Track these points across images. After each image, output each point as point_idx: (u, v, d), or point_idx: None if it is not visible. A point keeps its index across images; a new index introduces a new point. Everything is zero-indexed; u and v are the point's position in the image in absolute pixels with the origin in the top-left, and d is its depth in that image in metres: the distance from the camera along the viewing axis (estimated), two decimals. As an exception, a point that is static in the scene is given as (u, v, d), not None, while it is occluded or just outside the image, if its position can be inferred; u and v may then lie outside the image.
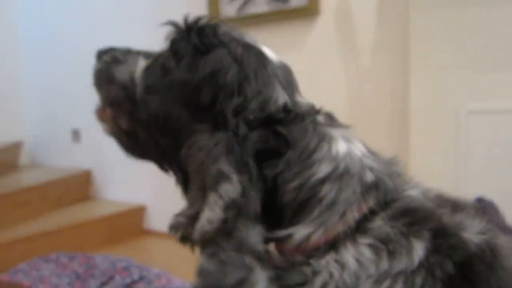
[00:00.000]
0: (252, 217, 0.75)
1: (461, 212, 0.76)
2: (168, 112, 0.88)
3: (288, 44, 3.09)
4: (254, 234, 0.74)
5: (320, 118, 0.85)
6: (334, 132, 0.83)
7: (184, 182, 0.90)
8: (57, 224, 3.72)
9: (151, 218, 4.10)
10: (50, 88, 4.76)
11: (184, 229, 0.85)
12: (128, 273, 1.79)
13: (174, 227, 0.86)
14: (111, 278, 1.77)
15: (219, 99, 0.83)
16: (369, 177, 0.78)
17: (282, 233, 0.76)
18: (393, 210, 0.75)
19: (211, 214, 0.75)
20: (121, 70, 0.97)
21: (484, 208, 1.55)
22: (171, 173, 0.95)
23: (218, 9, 3.42)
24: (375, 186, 0.77)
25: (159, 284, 1.71)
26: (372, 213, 0.75)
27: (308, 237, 0.74)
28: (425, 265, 0.70)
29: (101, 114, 1.01)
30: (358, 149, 0.82)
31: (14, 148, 4.76)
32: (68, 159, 4.67)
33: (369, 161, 0.80)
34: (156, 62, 0.94)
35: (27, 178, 4.41)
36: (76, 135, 4.59)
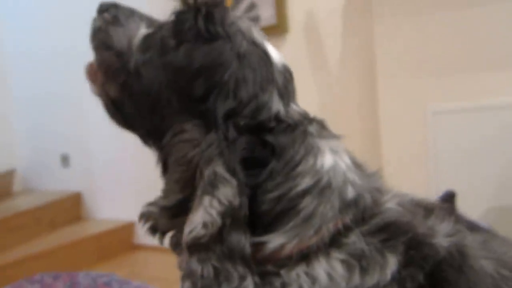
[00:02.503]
0: (242, 223, 0.71)
1: (432, 215, 0.75)
2: (159, 93, 0.81)
3: None
4: (244, 241, 0.70)
5: (311, 129, 0.79)
6: (323, 144, 0.78)
7: (163, 166, 0.83)
8: (51, 246, 3.67)
9: (140, 233, 4.03)
10: (40, 120, 4.74)
11: (155, 219, 0.81)
12: (109, 287, 1.77)
13: (145, 216, 0.82)
14: (93, 293, 1.74)
15: (212, 96, 0.76)
16: (350, 193, 0.74)
17: (256, 239, 0.72)
18: (370, 226, 0.72)
19: (207, 218, 0.70)
20: (120, 34, 0.88)
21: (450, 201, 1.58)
22: (153, 149, 0.88)
23: None
24: (355, 203, 0.73)
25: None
26: (348, 229, 0.71)
27: (281, 247, 0.71)
28: (397, 278, 0.68)
29: (91, 74, 0.91)
30: (344, 162, 0.77)
31: (8, 176, 4.71)
32: (58, 183, 4.62)
33: (352, 175, 0.76)
34: (157, 35, 0.84)
35: (21, 203, 4.36)
36: (65, 160, 4.56)
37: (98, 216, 4.39)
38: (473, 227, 1.44)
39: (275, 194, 0.73)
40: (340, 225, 0.71)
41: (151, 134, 0.85)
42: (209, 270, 0.69)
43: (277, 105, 0.79)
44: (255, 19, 3.09)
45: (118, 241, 4.03)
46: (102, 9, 0.91)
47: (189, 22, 0.80)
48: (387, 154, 2.58)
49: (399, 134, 2.56)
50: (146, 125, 0.85)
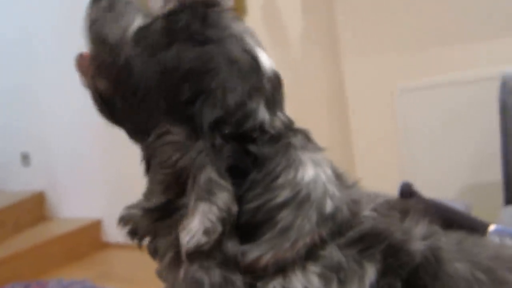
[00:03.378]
0: (234, 228, 0.71)
1: (407, 217, 0.76)
2: (147, 90, 0.80)
3: None
4: (237, 248, 0.70)
5: (295, 141, 0.78)
6: (305, 156, 0.77)
7: (147, 165, 0.82)
8: (16, 249, 3.57)
9: (108, 231, 3.95)
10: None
11: (135, 223, 0.79)
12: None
13: (124, 219, 0.80)
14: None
15: (199, 101, 0.76)
16: (328, 206, 0.74)
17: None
18: (347, 238, 0.72)
19: (208, 224, 0.69)
20: (116, 24, 0.85)
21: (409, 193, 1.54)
22: (139, 147, 0.86)
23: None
24: (332, 216, 0.73)
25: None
26: (325, 242, 0.71)
27: (257, 258, 0.70)
28: None
29: (82, 65, 0.89)
30: (325, 174, 0.77)
31: (-36, 178, 4.51)
32: (19, 183, 4.48)
33: (331, 188, 0.76)
34: (150, 28, 0.82)
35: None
36: (25, 158, 4.42)
37: (63, 215, 4.27)
38: (446, 211, 1.41)
39: (253, 204, 0.73)
40: (316, 239, 0.71)
41: (137, 132, 0.83)
42: (216, 278, 0.68)
43: (263, 114, 0.77)
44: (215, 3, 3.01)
45: (86, 240, 3.92)
46: None
47: (182, 22, 0.79)
48: (356, 135, 2.55)
49: (367, 113, 2.52)
50: (133, 122, 0.83)
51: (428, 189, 1.46)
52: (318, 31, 2.74)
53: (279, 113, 0.81)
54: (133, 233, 0.80)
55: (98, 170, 3.91)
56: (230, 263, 0.69)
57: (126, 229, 0.80)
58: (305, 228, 0.71)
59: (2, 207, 4.02)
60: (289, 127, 0.81)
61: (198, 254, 0.69)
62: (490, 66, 2.19)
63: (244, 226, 0.72)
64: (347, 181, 0.81)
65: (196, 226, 0.69)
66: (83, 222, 3.97)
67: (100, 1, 0.87)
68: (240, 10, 2.92)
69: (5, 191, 4.57)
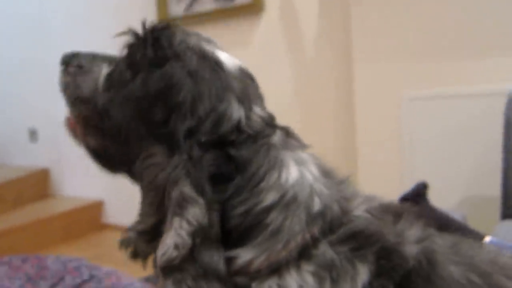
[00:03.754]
0: (214, 240, 0.72)
1: (401, 220, 0.76)
2: (127, 126, 0.82)
3: (235, 41, 3.00)
4: (217, 258, 0.71)
5: (275, 139, 0.80)
6: (287, 156, 0.78)
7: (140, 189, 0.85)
8: (16, 223, 3.59)
9: (109, 213, 3.98)
10: (4, 90, 4.57)
11: (134, 245, 0.81)
12: (78, 273, 1.72)
13: (124, 243, 0.81)
14: (61, 278, 1.68)
15: (172, 118, 0.77)
16: (316, 205, 0.74)
17: (227, 254, 0.72)
18: (338, 235, 0.72)
19: (178, 239, 0.70)
20: (87, 80, 0.90)
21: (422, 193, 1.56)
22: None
23: (166, 9, 3.32)
24: (321, 214, 0.73)
25: (109, 282, 1.62)
26: (317, 240, 0.71)
27: (251, 261, 0.71)
28: None
29: (71, 127, 0.94)
30: (310, 173, 0.77)
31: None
32: (26, 158, 4.51)
33: (319, 186, 0.76)
34: (116, 71, 0.87)
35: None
36: (33, 134, 4.45)
37: (66, 194, 4.30)
38: (446, 219, 1.43)
39: (241, 209, 0.73)
40: (307, 237, 0.71)
41: (131, 167, 0.85)
42: None
43: (237, 113, 0.79)
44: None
45: (86, 220, 3.95)
46: (65, 62, 0.93)
47: (139, 52, 0.83)
48: (362, 139, 2.56)
49: (373, 118, 2.53)
50: (126, 161, 0.85)
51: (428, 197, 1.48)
52: (332, 34, 2.77)
53: (256, 108, 0.82)
54: (135, 255, 0.81)
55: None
56: (208, 274, 0.70)
57: (128, 252, 0.81)
58: (295, 228, 0.72)
59: (3, 181, 4.05)
60: (268, 124, 0.82)
61: (170, 268, 0.70)
62: (497, 81, 2.20)
63: (234, 231, 0.73)
64: (337, 177, 0.81)
65: (168, 242, 0.70)
66: (84, 202, 4.00)
67: (68, 67, 0.92)
68: (258, 7, 2.96)
69: (10, 165, 4.60)
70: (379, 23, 2.47)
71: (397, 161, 2.45)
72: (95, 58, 0.93)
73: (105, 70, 0.89)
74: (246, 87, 0.83)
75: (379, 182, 2.22)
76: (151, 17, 3.23)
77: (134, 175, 0.85)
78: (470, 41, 2.27)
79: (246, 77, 0.84)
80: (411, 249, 0.71)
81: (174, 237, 0.70)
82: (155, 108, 0.79)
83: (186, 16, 3.23)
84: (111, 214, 3.97)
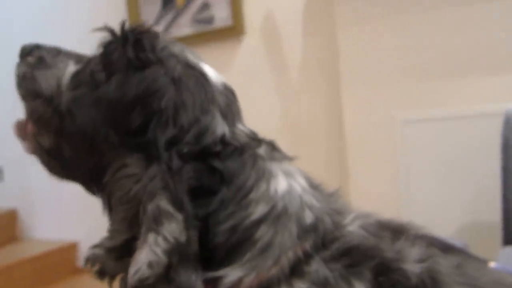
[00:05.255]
0: (191, 259, 0.70)
1: (401, 238, 0.74)
2: (94, 130, 0.81)
3: (216, 65, 2.96)
4: (194, 277, 0.70)
5: (261, 151, 0.80)
6: (275, 167, 0.79)
7: (108, 205, 0.82)
8: (-16, 270, 3.51)
9: (84, 255, 3.95)
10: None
11: (102, 263, 0.79)
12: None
13: (90, 260, 0.79)
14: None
15: (151, 126, 0.76)
16: (308, 217, 0.74)
17: (212, 274, 0.71)
18: (332, 251, 0.71)
19: (152, 257, 0.68)
20: (48, 75, 0.88)
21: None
22: (98, 195, 0.87)
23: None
24: (314, 228, 0.73)
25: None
26: (309, 256, 0.71)
27: (239, 280, 0.70)
28: None
29: (20, 130, 0.92)
30: (299, 185, 0.78)
31: None
32: (-9, 199, 4.47)
33: (309, 198, 0.77)
34: (86, 70, 0.85)
35: None
36: (-2, 172, 4.44)
37: (36, 236, 4.26)
38: (447, 247, 1.45)
39: (228, 225, 0.73)
40: (299, 253, 0.71)
41: (93, 177, 0.84)
42: None
43: (221, 127, 0.79)
44: (209, 21, 3.08)
45: (60, 263, 3.91)
46: (25, 53, 0.92)
47: (117, 52, 0.81)
48: (354, 167, 2.58)
49: (366, 145, 2.57)
50: (86, 168, 0.84)
51: (425, 225, 1.50)
52: (318, 56, 2.82)
53: (239, 125, 0.83)
54: (102, 273, 0.80)
55: (76, 190, 3.87)
56: None
57: (94, 269, 0.80)
58: (287, 243, 0.71)
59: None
60: (253, 138, 0.82)
61: (143, 287, 0.69)
62: (493, 101, 2.26)
63: (220, 248, 0.72)
64: (325, 191, 0.81)
65: (142, 259, 0.69)
66: (57, 244, 3.96)
67: (27, 57, 0.91)
68: (238, 30, 3.01)
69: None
70: (368, 44, 2.53)
71: (392, 189, 2.49)
72: (59, 53, 0.91)
73: (71, 67, 0.88)
74: (230, 103, 0.84)
75: (374, 209, 2.22)
76: None
77: (95, 186, 0.85)
78: (464, 60, 2.34)
79: (229, 93, 0.85)
80: (413, 268, 0.69)
81: (149, 255, 0.69)
82: (132, 114, 0.78)
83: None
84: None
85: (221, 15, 3.06)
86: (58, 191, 4.02)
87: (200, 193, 0.73)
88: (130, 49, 0.81)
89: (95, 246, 0.80)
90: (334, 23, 2.64)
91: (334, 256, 0.71)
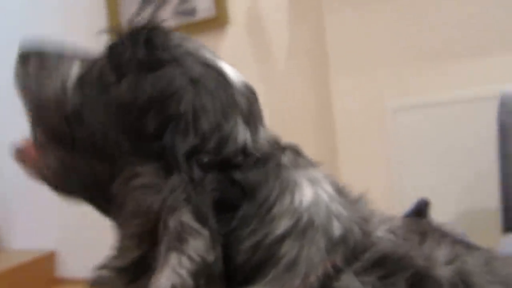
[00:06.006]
0: (218, 280, 0.66)
1: (427, 239, 0.72)
2: (104, 136, 0.77)
3: None
4: None
5: (285, 159, 0.76)
6: (299, 175, 0.74)
7: (117, 219, 0.78)
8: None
9: (63, 265, 3.91)
10: None
11: (110, 286, 0.73)
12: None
13: (97, 283, 0.74)
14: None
15: (168, 132, 0.72)
16: (336, 228, 0.70)
17: None
18: (363, 263, 0.68)
19: (176, 280, 0.63)
20: (52, 80, 0.84)
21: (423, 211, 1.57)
22: (110, 217, 0.81)
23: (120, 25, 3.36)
24: (343, 239, 0.69)
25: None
26: (339, 271, 0.67)
27: None
28: None
29: (22, 154, 0.89)
30: (326, 193, 0.74)
31: None
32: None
33: (336, 207, 0.73)
34: (92, 72, 0.81)
35: None
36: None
37: (11, 247, 4.21)
38: (469, 244, 1.44)
39: (250, 242, 0.68)
40: (329, 268, 0.67)
41: (101, 188, 0.79)
42: None
43: (243, 135, 0.75)
44: (191, 12, 3.08)
45: (37, 275, 3.86)
46: (24, 58, 0.88)
47: (127, 52, 0.77)
48: (344, 158, 2.59)
49: (357, 134, 2.57)
50: (97, 181, 0.79)
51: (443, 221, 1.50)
52: (305, 44, 2.82)
53: (261, 130, 0.80)
54: None
55: (53, 198, 3.84)
56: None
57: None
58: (314, 258, 0.67)
59: None
60: (275, 145, 0.79)
61: None
62: (486, 84, 2.27)
63: (241, 268, 0.68)
64: (351, 196, 0.78)
65: (164, 283, 0.64)
66: (34, 254, 3.91)
67: (28, 61, 0.88)
68: (222, 20, 3.02)
69: None
70: (356, 30, 2.54)
71: (385, 179, 2.49)
72: (61, 52, 0.88)
73: (76, 69, 0.84)
74: (251, 106, 0.80)
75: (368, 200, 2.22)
76: (101, 27, 3.25)
77: (105, 201, 0.79)
78: (454, 44, 2.36)
79: (251, 94, 0.81)
80: (444, 272, 0.67)
81: (172, 277, 0.63)
82: (146, 119, 0.74)
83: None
84: (66, 266, 3.89)
85: (203, 6, 3.05)
86: (35, 200, 3.99)
87: (222, 207, 0.69)
88: (141, 48, 0.77)
89: (102, 267, 0.74)
90: (321, 9, 2.65)
91: (366, 268, 0.67)
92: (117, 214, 0.76)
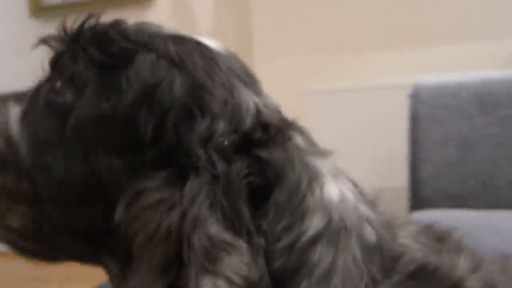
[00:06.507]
0: None
1: (445, 246, 0.68)
2: (87, 170, 0.63)
3: None
4: None
5: (299, 140, 0.66)
6: (322, 165, 0.65)
7: (124, 258, 0.64)
8: None
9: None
10: None
11: None
12: None
13: None
14: None
15: (169, 124, 0.61)
16: (370, 235, 0.62)
17: None
18: (399, 274, 0.60)
19: None
20: None
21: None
22: (108, 264, 0.68)
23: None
24: (378, 248, 0.61)
25: None
26: (377, 283, 0.59)
27: None
28: None
29: None
30: (350, 190, 0.65)
31: None
32: None
33: (364, 209, 0.64)
34: (37, 103, 0.68)
35: None
36: None
37: None
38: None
39: (285, 242, 0.58)
40: (368, 282, 0.58)
41: (97, 230, 0.66)
42: None
43: (252, 100, 0.65)
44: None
45: None
46: None
47: (79, 59, 0.65)
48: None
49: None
50: (87, 226, 0.66)
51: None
52: (230, 27, 2.89)
53: (265, 94, 0.71)
54: None
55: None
56: None
57: None
58: (352, 269, 0.58)
59: None
60: (283, 117, 0.70)
61: None
62: (401, 74, 2.46)
63: (276, 276, 0.57)
64: (368, 196, 0.69)
65: None
66: None
67: None
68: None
69: None
70: (280, 16, 2.65)
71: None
72: None
73: (15, 109, 0.70)
74: (245, 69, 0.71)
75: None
76: (21, 6, 3.19)
77: (98, 245, 0.67)
78: (372, 33, 2.53)
79: (237, 59, 0.72)
80: (474, 284, 0.63)
81: None
82: (137, 123, 0.62)
83: (63, 6, 3.22)
84: None
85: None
86: None
87: (256, 198, 0.59)
88: (93, 48, 0.65)
89: None
90: (247, -6, 2.71)
91: (404, 281, 0.60)
92: (124, 250, 0.63)
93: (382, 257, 0.61)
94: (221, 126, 0.60)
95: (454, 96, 2.17)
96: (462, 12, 2.50)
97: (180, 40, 0.67)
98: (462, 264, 0.65)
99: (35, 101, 0.68)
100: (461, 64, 2.46)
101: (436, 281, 0.61)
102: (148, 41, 0.65)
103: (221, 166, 0.57)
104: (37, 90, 0.69)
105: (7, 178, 0.68)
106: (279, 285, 0.57)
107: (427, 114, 2.17)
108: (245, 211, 0.56)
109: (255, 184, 0.59)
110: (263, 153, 0.60)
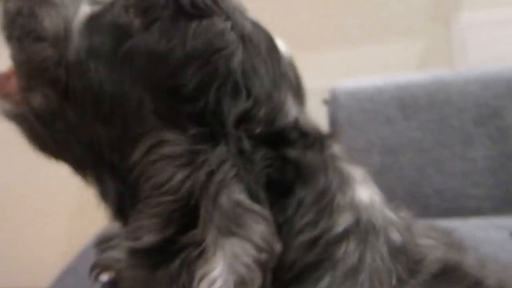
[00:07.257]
0: (283, 278, 0.59)
1: (453, 245, 0.70)
2: (120, 94, 0.64)
3: None
4: None
5: (337, 149, 0.69)
6: (354, 171, 0.68)
7: (120, 199, 0.66)
8: None
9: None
10: None
11: (120, 271, 0.62)
12: None
13: (103, 265, 0.65)
14: None
15: (213, 90, 0.62)
16: (396, 236, 0.65)
17: None
18: (423, 275, 0.63)
19: (243, 271, 0.52)
20: (52, 15, 0.67)
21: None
22: (93, 183, 0.70)
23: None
24: (404, 249, 0.64)
25: None
26: (404, 283, 0.61)
27: None
28: None
29: (1, 83, 0.72)
30: (377, 195, 0.69)
31: None
32: None
33: (389, 213, 0.68)
34: (108, 14, 0.66)
35: None
36: None
37: None
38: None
39: (306, 236, 0.60)
40: (394, 281, 0.60)
41: (104, 156, 0.67)
42: None
43: (294, 109, 0.67)
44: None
45: None
46: None
47: None
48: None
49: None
50: (97, 141, 0.67)
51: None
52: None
53: (305, 109, 0.72)
54: (115, 285, 0.65)
55: None
56: None
57: (103, 279, 0.66)
58: (380, 267, 0.61)
59: None
60: (319, 130, 0.71)
61: None
62: (319, 78, 2.41)
63: (293, 265, 0.60)
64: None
65: (222, 275, 0.52)
66: None
67: None
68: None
69: None
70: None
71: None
72: None
73: (85, 7, 0.68)
74: (298, 80, 0.73)
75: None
76: None
77: (106, 169, 0.68)
78: (289, 35, 2.44)
79: (295, 68, 0.74)
80: (492, 282, 0.66)
81: (236, 268, 0.52)
82: (184, 75, 0.63)
83: None
84: None
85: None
86: None
87: (272, 190, 0.61)
88: None
89: (108, 247, 0.66)
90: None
91: (429, 280, 0.63)
92: (134, 187, 0.64)
93: (407, 258, 0.64)
94: (260, 114, 0.63)
95: (373, 100, 2.14)
96: (374, 11, 2.48)
97: (257, 26, 0.69)
98: (467, 261, 0.68)
99: (107, 10, 0.67)
100: (376, 66, 2.45)
101: (459, 280, 0.64)
102: (230, 12, 0.66)
103: (247, 147, 0.60)
104: (112, 4, 0.67)
105: (51, 58, 0.67)
106: (299, 276, 0.59)
107: (346, 120, 2.12)
108: (262, 195, 0.58)
109: (273, 178, 0.61)
110: (292, 153, 0.63)
